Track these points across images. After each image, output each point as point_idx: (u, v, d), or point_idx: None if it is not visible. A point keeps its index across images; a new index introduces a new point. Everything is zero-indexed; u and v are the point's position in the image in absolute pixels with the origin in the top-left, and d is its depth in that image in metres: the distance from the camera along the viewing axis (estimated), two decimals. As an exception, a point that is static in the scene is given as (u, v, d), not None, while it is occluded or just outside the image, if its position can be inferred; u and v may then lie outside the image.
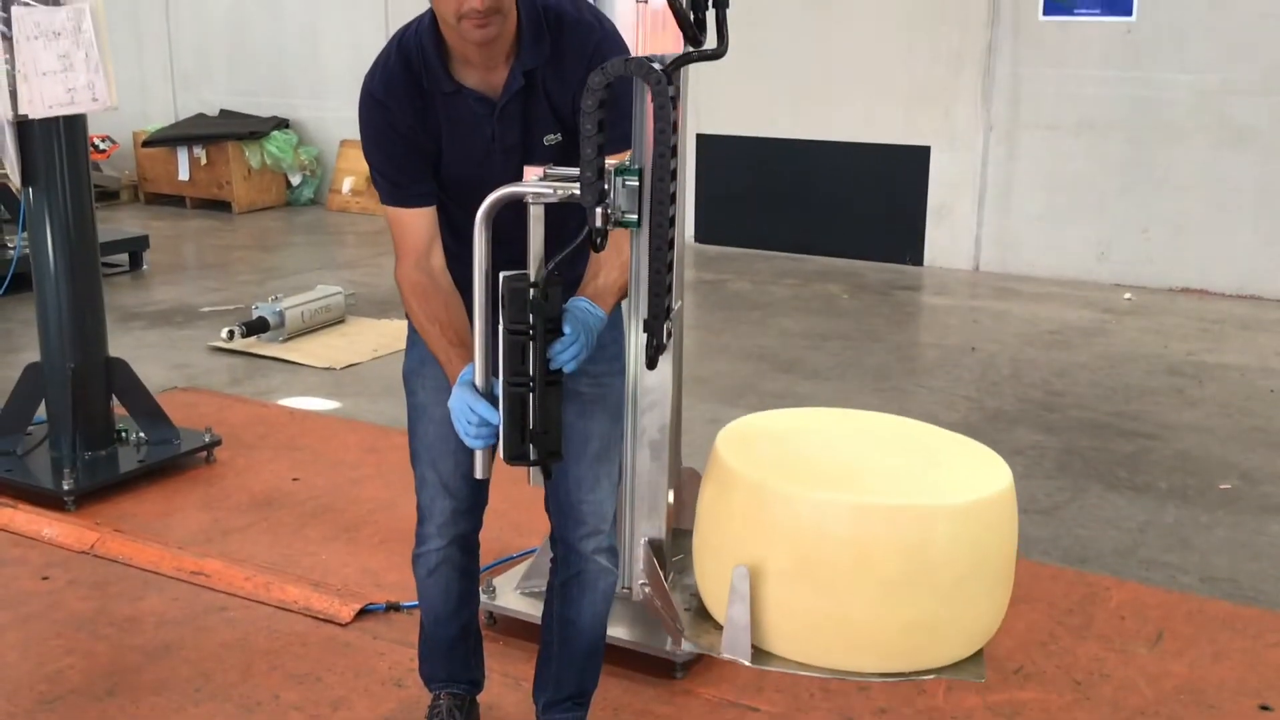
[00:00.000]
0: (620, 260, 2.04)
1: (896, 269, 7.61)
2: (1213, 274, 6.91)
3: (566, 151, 2.10)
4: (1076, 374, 5.47)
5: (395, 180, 2.19)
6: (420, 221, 2.20)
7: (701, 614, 1.85)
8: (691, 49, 1.68)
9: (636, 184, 1.68)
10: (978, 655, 1.76)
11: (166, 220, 9.23)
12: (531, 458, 1.87)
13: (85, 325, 4.14)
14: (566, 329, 1.87)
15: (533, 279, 1.82)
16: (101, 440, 4.22)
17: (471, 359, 1.98)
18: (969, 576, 1.69)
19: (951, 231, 7.58)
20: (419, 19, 2.17)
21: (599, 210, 1.68)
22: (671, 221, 1.71)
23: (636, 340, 1.78)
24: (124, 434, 4.31)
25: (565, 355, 1.87)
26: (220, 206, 9.56)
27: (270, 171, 9.63)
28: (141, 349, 5.69)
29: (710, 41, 1.74)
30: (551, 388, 1.86)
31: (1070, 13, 7.05)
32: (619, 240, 1.90)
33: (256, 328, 5.89)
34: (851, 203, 7.82)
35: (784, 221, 7.93)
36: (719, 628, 1.76)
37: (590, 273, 2.12)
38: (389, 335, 6.10)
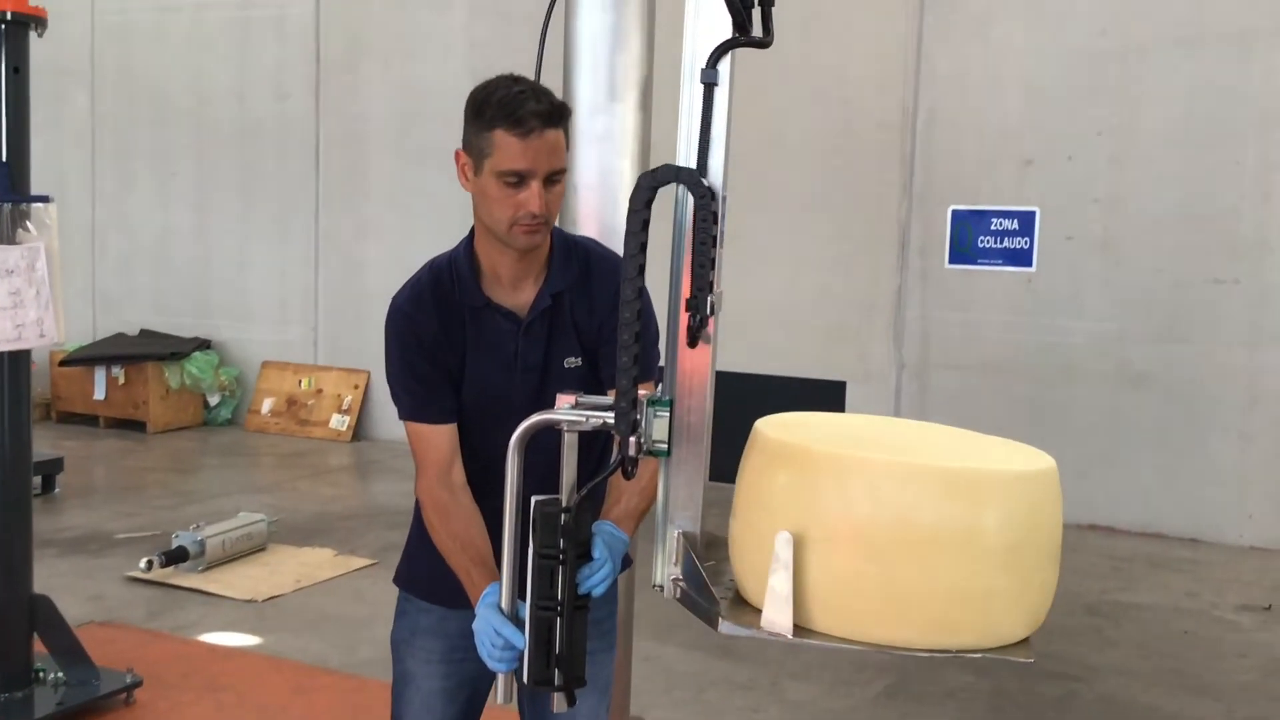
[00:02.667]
0: (641, 485, 2.08)
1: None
2: (1118, 512, 7.16)
3: (584, 377, 2.19)
4: (998, 612, 5.57)
5: (418, 394, 2.23)
6: (442, 437, 2.23)
7: (739, 602, 1.74)
8: (738, 35, 1.69)
9: (667, 415, 1.73)
10: (1025, 641, 1.67)
11: (79, 440, 9.08)
12: (556, 683, 1.86)
13: (13, 560, 4.04)
14: (596, 553, 1.89)
15: (565, 504, 1.85)
16: (18, 681, 4.06)
17: (493, 578, 2.00)
18: (1019, 548, 1.62)
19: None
20: (453, 249, 2.28)
21: (632, 439, 1.72)
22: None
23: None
24: (41, 674, 4.15)
25: (595, 580, 1.89)
26: (134, 426, 9.45)
27: (188, 392, 9.58)
28: (55, 578, 5.52)
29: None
30: (579, 612, 1.87)
31: (974, 262, 7.48)
32: (640, 467, 1.92)
33: (175, 557, 5.77)
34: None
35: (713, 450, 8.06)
36: (758, 612, 1.64)
37: (614, 497, 2.16)
38: (311, 565, 6.02)
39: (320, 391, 9.53)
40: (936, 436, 1.87)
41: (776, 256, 7.82)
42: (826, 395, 7.82)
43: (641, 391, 1.75)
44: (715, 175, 1.71)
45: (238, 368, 9.88)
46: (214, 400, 9.76)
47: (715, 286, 1.71)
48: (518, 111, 2.08)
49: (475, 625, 2.00)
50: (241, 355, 9.90)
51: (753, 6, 1.71)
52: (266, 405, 9.65)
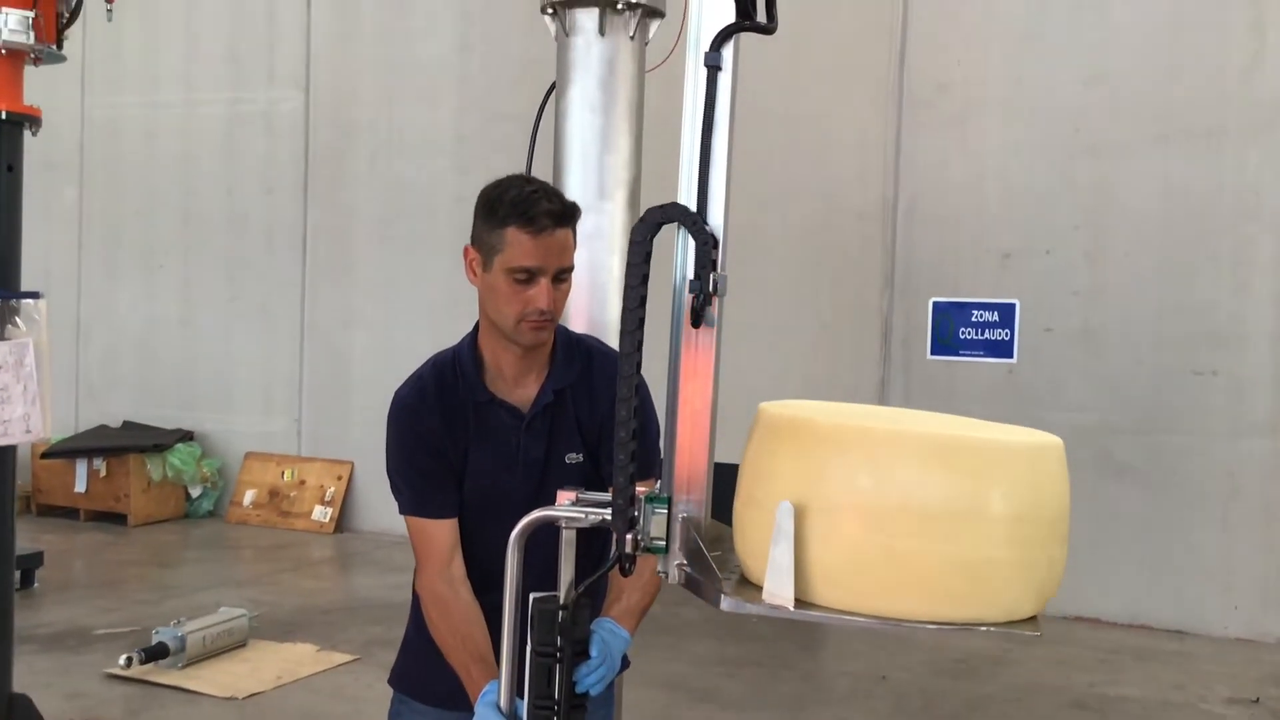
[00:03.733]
0: (641, 582, 2.10)
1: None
2: (1104, 603, 7.15)
3: (585, 472, 2.22)
4: (987, 706, 5.54)
5: (420, 488, 2.25)
6: (443, 531, 2.24)
7: (743, 584, 1.71)
8: (744, 20, 1.69)
9: (665, 512, 1.72)
10: (1033, 618, 1.65)
11: (59, 534, 8.98)
12: None
13: (-8, 659, 3.99)
14: (594, 651, 1.90)
15: (562, 601, 1.85)
16: (-6, 783, 3.98)
17: (492, 676, 2.00)
18: (1024, 521, 1.61)
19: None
20: (456, 345, 2.31)
21: (629, 536, 1.71)
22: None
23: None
24: (18, 775, 4.07)
25: (592, 679, 1.89)
26: (115, 519, 9.36)
27: (170, 484, 9.52)
28: (33, 675, 5.42)
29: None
30: (576, 711, 1.86)
31: (956, 354, 7.55)
32: (640, 563, 1.93)
33: (156, 654, 5.69)
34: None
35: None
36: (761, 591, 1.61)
37: (614, 594, 2.18)
38: (293, 661, 5.94)
39: (303, 483, 9.49)
40: (943, 419, 1.83)
41: (760, 347, 7.87)
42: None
43: (641, 488, 1.76)
44: (719, 153, 1.70)
45: (220, 459, 9.84)
46: (196, 492, 9.69)
47: (719, 266, 1.69)
48: (531, 210, 2.12)
49: None
50: (224, 446, 9.86)
51: None
52: (249, 497, 9.59)
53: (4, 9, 3.54)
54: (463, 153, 8.88)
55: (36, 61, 3.67)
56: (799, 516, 1.59)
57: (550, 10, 3.49)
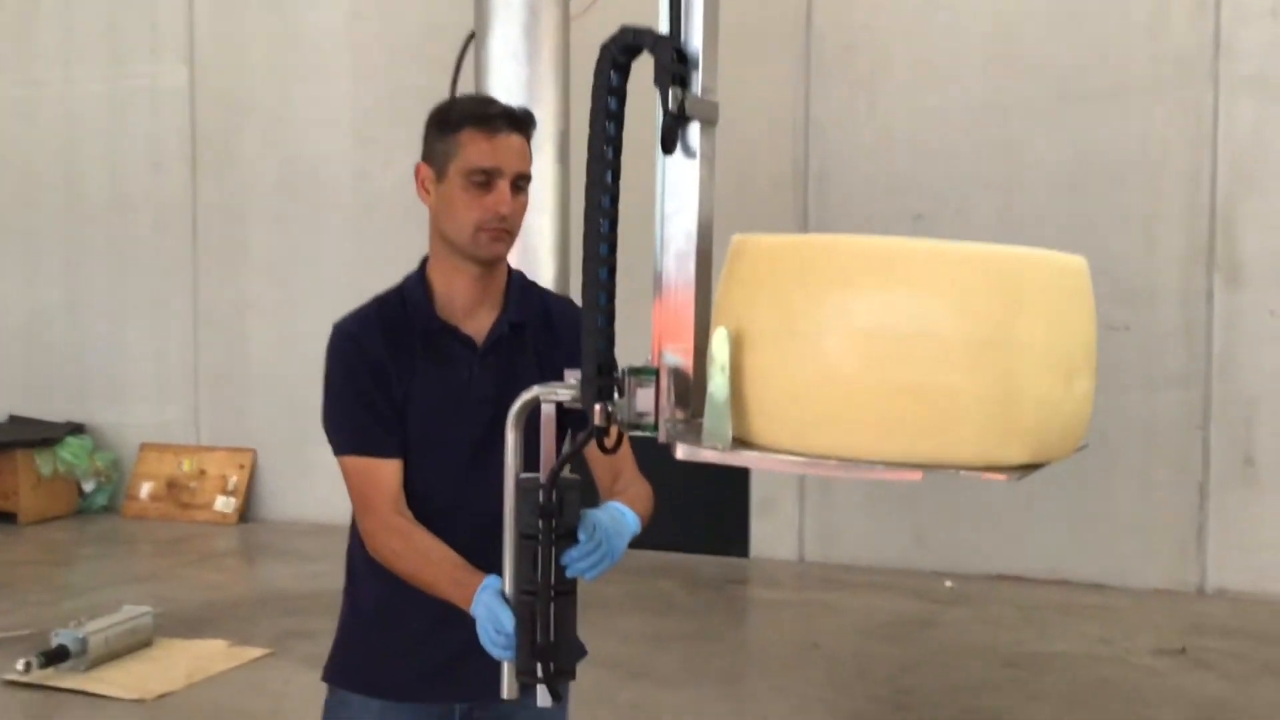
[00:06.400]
0: (645, 490, 2.05)
1: (725, 562, 7.62)
2: (1025, 560, 7.17)
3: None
4: (920, 669, 5.50)
5: (364, 425, 2.09)
6: (390, 473, 2.08)
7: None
8: None
9: (653, 386, 1.59)
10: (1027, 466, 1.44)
11: (-57, 535, 8.53)
12: (539, 675, 1.74)
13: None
14: (581, 535, 1.77)
15: (543, 482, 1.73)
16: (-116, 804, 3.69)
17: (480, 577, 1.90)
18: (991, 345, 1.40)
19: (775, 524, 7.70)
20: (400, 282, 2.21)
21: (597, 408, 1.59)
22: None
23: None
24: (-89, 794, 3.79)
25: (582, 564, 1.77)
26: (3, 518, 8.90)
27: (61, 479, 9.09)
28: (-78, 687, 5.11)
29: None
30: (562, 598, 1.74)
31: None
32: (639, 485, 1.93)
33: (55, 657, 5.37)
34: (678, 496, 7.87)
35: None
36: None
37: (618, 488, 2.07)
38: (203, 657, 5.67)
39: (203, 473, 9.13)
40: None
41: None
42: (730, 456, 7.73)
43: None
44: None
45: (114, 451, 9.41)
46: (89, 486, 9.26)
47: (698, 87, 1.57)
48: (486, 110, 2.07)
49: (477, 611, 1.86)
50: (118, 438, 9.44)
51: None
52: (146, 489, 9.20)
53: None
54: (363, 126, 8.58)
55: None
56: (737, 346, 1.45)
57: (465, -44, 3.30)
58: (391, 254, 8.64)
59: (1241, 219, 6.82)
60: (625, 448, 2.00)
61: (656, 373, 1.62)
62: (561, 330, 2.19)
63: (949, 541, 7.31)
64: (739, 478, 7.74)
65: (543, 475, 1.76)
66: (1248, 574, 6.79)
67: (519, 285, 2.21)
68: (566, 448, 1.76)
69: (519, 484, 1.77)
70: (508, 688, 1.85)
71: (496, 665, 2.05)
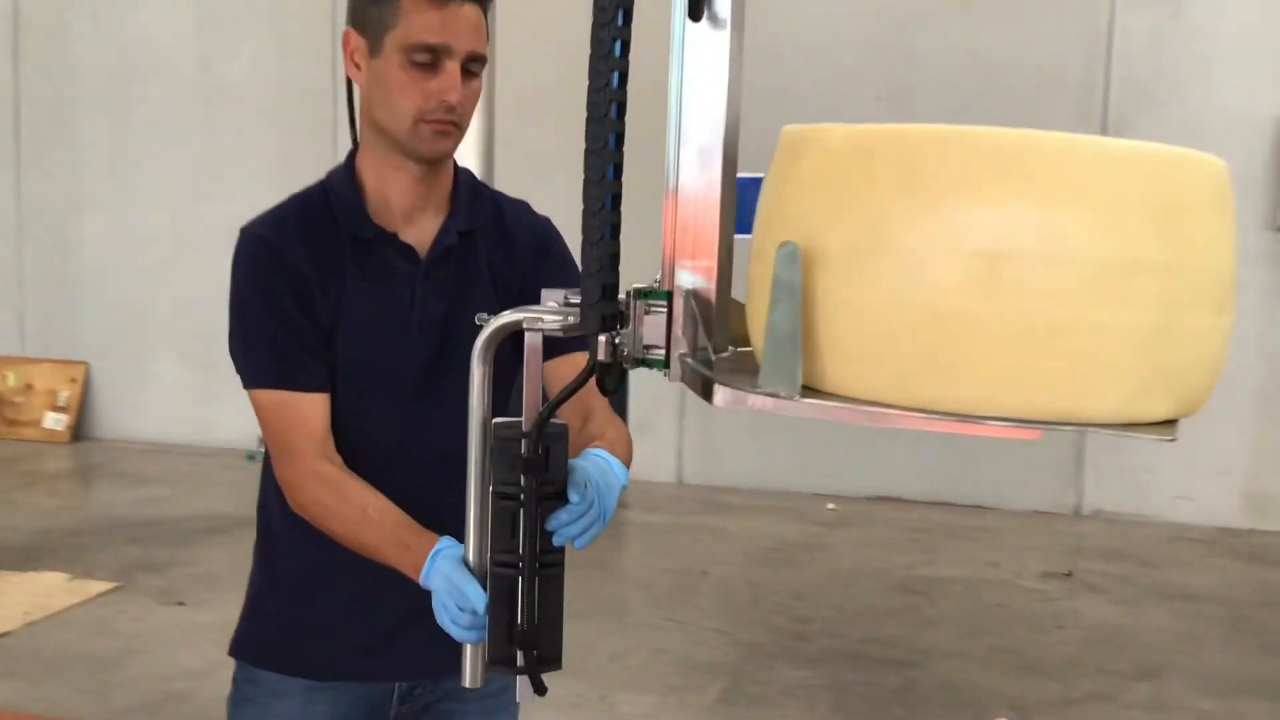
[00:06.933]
0: (625, 433, 1.71)
1: (599, 485, 7.36)
2: (906, 482, 7.09)
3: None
4: (813, 596, 5.33)
5: (284, 351, 1.69)
6: (316, 409, 1.69)
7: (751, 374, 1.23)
8: None
9: (664, 312, 1.27)
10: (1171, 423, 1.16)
11: None
12: (519, 664, 1.39)
13: None
14: (573, 495, 1.40)
15: (525, 429, 1.38)
16: None
17: (433, 537, 1.56)
18: (1139, 268, 1.09)
19: (654, 446, 7.44)
20: (322, 178, 1.80)
21: (602, 340, 1.26)
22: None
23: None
24: None
25: (573, 529, 1.40)
26: None
27: None
28: None
29: None
30: (548, 570, 1.40)
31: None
32: (617, 430, 1.64)
33: None
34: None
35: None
36: None
37: (592, 432, 1.69)
38: (41, 593, 5.15)
39: (30, 387, 8.40)
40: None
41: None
42: (607, 373, 7.43)
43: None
44: None
45: (-73, 363, 8.60)
46: (-101, 402, 8.45)
47: None
48: None
49: (433, 583, 1.50)
50: (-69, 349, 8.62)
51: None
52: (-35, 405, 8.43)
53: None
54: (208, 9, 7.85)
55: None
56: (809, 264, 1.11)
57: None
58: (242, 153, 8.09)
59: (1133, 133, 6.73)
60: (593, 382, 1.63)
61: (669, 296, 1.29)
62: (519, 238, 1.83)
63: (830, 463, 7.17)
64: (615, 398, 7.43)
65: (525, 421, 1.41)
66: (1124, 496, 6.84)
67: (468, 185, 1.82)
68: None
69: (495, 432, 1.41)
70: (470, 675, 1.50)
71: (443, 637, 1.71)
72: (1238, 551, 6.21)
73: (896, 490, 7.10)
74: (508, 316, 1.41)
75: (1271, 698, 4.30)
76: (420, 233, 1.76)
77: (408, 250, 1.74)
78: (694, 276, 1.28)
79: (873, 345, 1.15)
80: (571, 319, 1.37)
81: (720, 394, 1.21)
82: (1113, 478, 6.86)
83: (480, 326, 1.78)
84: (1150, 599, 5.39)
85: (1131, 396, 1.14)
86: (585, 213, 1.33)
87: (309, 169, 1.97)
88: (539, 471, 1.40)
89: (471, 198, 1.81)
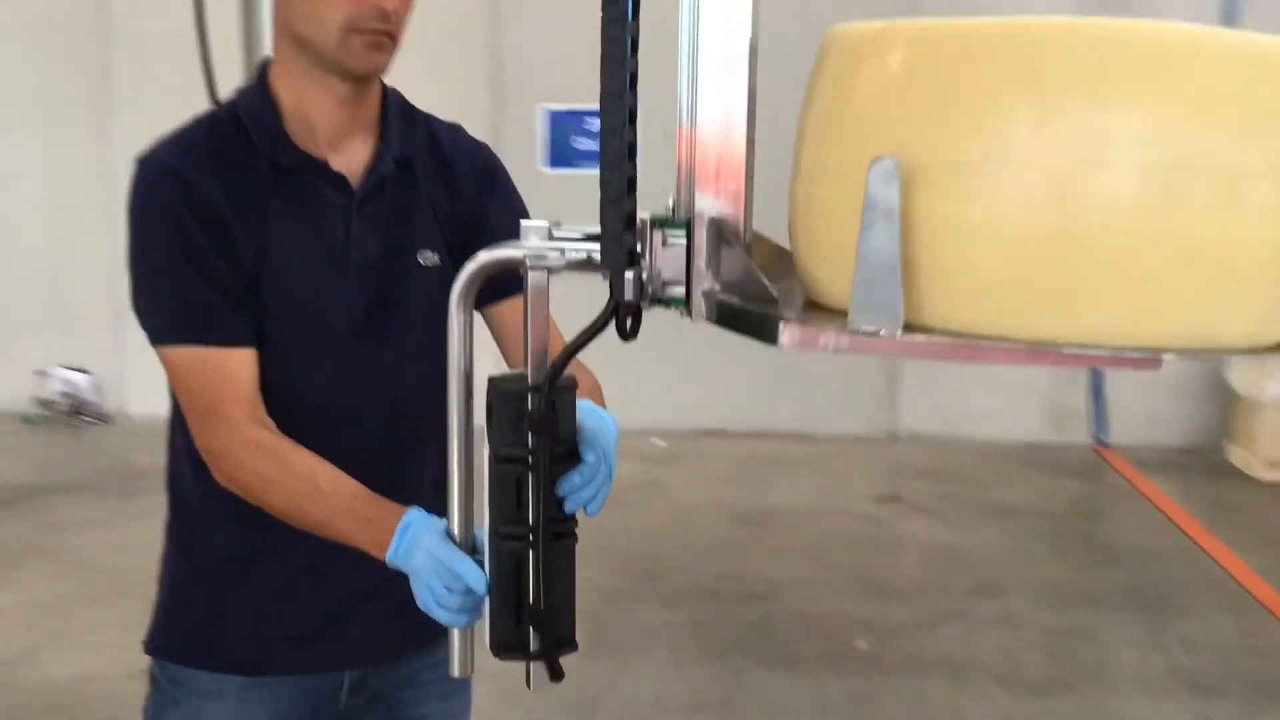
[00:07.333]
0: (595, 379, 1.58)
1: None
2: (730, 414, 7.12)
3: (447, 279, 1.41)
4: (659, 535, 5.29)
5: (199, 301, 1.45)
6: (244, 367, 1.47)
7: (811, 308, 1.12)
8: None
9: (683, 241, 1.12)
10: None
11: None
12: (531, 649, 1.24)
13: None
14: (587, 454, 1.23)
15: (532, 383, 1.21)
16: None
17: (395, 510, 1.37)
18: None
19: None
20: (231, 99, 1.57)
21: (629, 276, 1.10)
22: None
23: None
24: None
25: (585, 492, 1.23)
26: None
27: None
28: None
29: None
30: (562, 542, 1.24)
31: (572, 165, 7.10)
32: (582, 373, 1.48)
33: None
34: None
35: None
36: (839, 315, 1.02)
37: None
38: None
39: None
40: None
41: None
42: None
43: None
44: None
45: None
46: None
47: None
48: None
49: (414, 563, 1.31)
50: None
51: None
52: None
53: None
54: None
55: None
56: (908, 183, 0.98)
57: None
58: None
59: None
60: (553, 324, 1.47)
61: (688, 225, 1.13)
62: (460, 164, 1.63)
63: (653, 398, 7.12)
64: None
65: (530, 374, 1.23)
66: (934, 418, 7.04)
67: (399, 108, 1.61)
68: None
69: (497, 387, 1.23)
70: (460, 663, 1.33)
71: (395, 619, 1.54)
72: (1046, 465, 6.49)
73: (720, 422, 7.12)
74: (500, 252, 1.23)
75: (1107, 607, 4.49)
76: (349, 161, 1.54)
77: (339, 180, 1.53)
78: (719, 202, 1.13)
79: (983, 272, 1.03)
80: (574, 253, 1.20)
81: (788, 333, 1.07)
82: (925, 400, 7.06)
83: (428, 267, 1.59)
84: (976, 517, 5.57)
85: (1261, 319, 1.06)
86: (604, 130, 1.16)
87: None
88: (551, 430, 1.23)
89: (403, 122, 1.60)
